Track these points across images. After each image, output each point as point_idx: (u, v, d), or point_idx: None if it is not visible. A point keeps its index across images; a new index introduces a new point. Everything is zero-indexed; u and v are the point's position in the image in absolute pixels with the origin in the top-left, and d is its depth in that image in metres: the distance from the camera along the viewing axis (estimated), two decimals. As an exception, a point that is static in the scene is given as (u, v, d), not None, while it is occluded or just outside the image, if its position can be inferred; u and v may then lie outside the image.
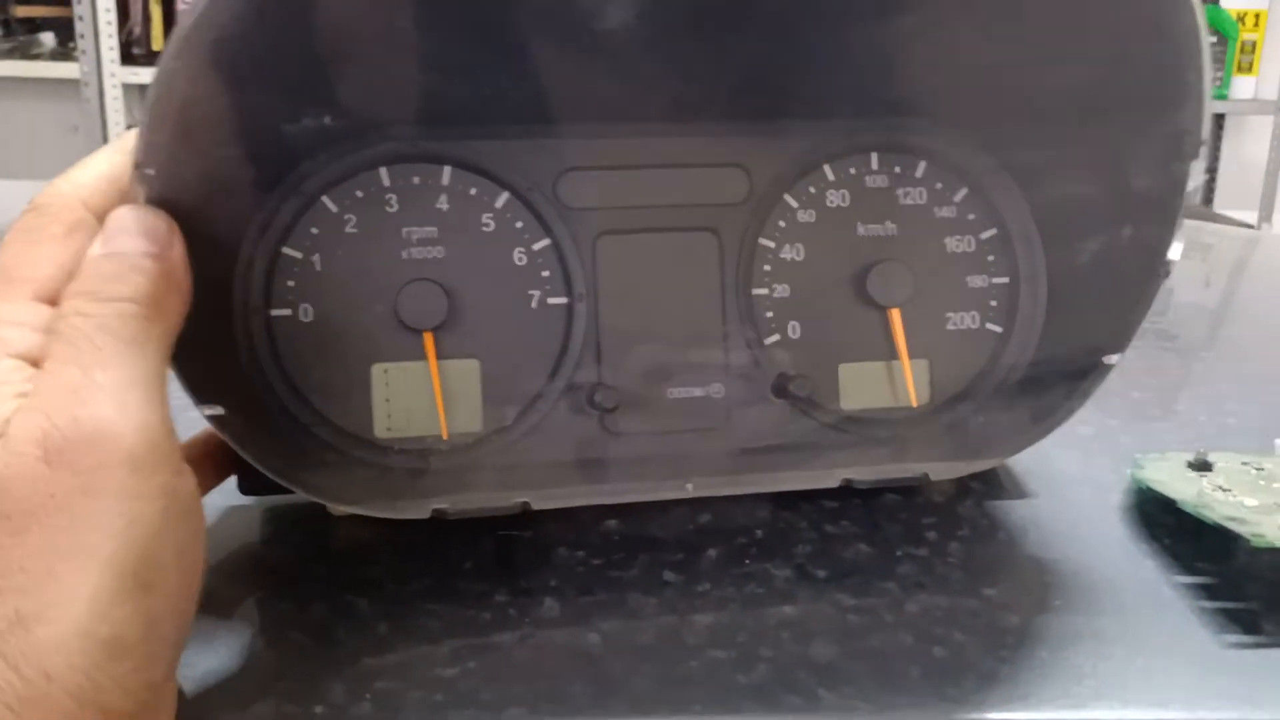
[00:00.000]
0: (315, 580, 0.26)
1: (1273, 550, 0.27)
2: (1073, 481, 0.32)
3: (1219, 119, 2.65)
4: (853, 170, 0.31)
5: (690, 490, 0.28)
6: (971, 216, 0.31)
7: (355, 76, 0.26)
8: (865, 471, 0.28)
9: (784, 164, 0.30)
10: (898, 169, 0.31)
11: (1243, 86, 2.54)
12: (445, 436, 0.28)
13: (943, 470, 0.29)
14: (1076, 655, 0.24)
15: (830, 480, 0.28)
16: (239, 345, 0.27)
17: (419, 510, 0.26)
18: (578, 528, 0.29)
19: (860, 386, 0.31)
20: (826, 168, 0.31)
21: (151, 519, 0.19)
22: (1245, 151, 2.66)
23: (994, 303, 0.31)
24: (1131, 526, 0.29)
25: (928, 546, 0.28)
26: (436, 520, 0.27)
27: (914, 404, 0.30)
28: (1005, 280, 0.31)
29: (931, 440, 0.30)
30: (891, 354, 0.31)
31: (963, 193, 0.31)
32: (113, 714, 0.18)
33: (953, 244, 0.31)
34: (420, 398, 0.28)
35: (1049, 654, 0.24)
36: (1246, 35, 2.50)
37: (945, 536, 0.29)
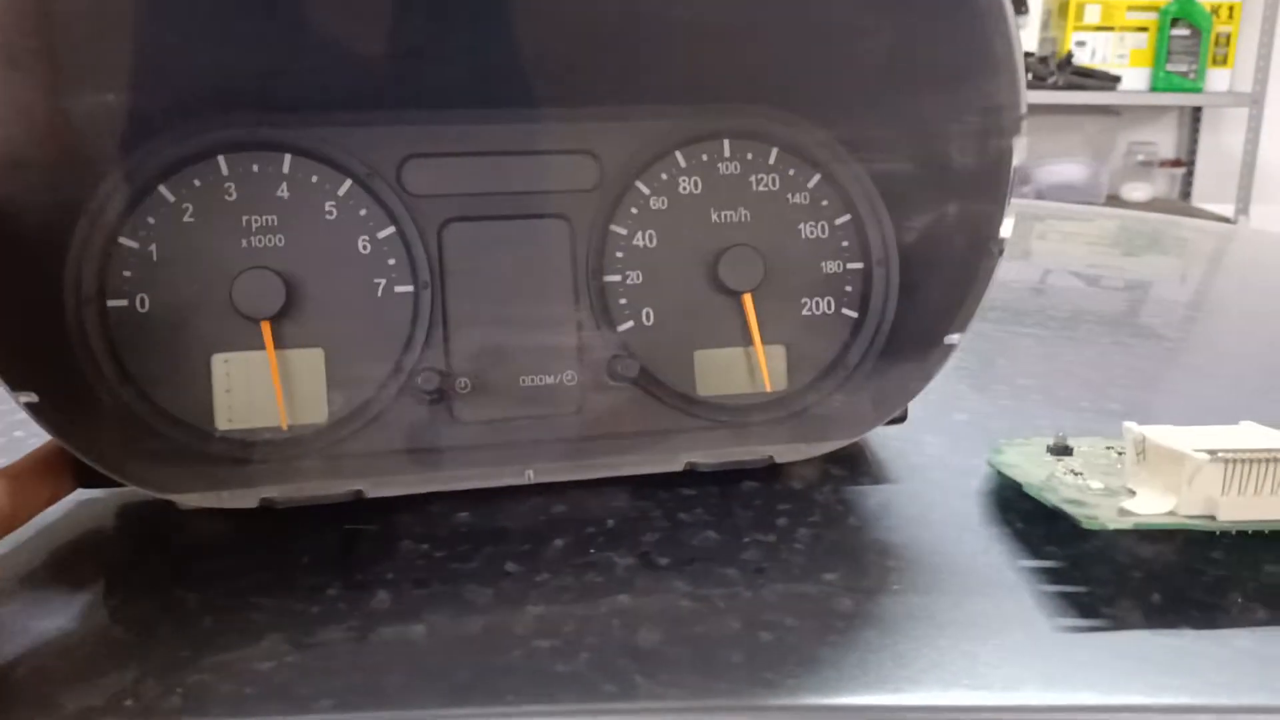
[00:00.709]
0: (149, 575, 0.26)
1: (1107, 532, 0.27)
2: (935, 466, 0.32)
3: (1195, 112, 2.66)
4: (705, 157, 0.31)
5: (531, 477, 0.28)
6: (824, 203, 0.31)
7: (139, 56, 0.26)
8: (710, 455, 0.28)
9: (634, 150, 0.30)
10: (750, 155, 0.31)
11: (1218, 79, 2.55)
12: (285, 427, 0.28)
13: (787, 453, 0.29)
14: (905, 639, 0.24)
15: (674, 464, 0.28)
16: (70, 334, 0.27)
17: (246, 500, 0.26)
18: (427, 520, 0.28)
19: (716, 373, 0.31)
20: (678, 154, 0.31)
21: None
22: (1222, 144, 2.66)
23: (848, 288, 0.31)
24: (986, 510, 0.29)
25: (776, 533, 0.28)
26: (286, 515, 0.27)
27: (769, 389, 0.30)
28: (859, 266, 0.31)
29: (777, 424, 0.30)
30: (747, 340, 0.30)
31: (815, 179, 0.31)
32: None
33: (806, 230, 0.31)
34: (262, 388, 0.28)
35: (877, 637, 0.24)
36: (1221, 28, 2.50)
37: (796, 523, 0.28)
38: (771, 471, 0.31)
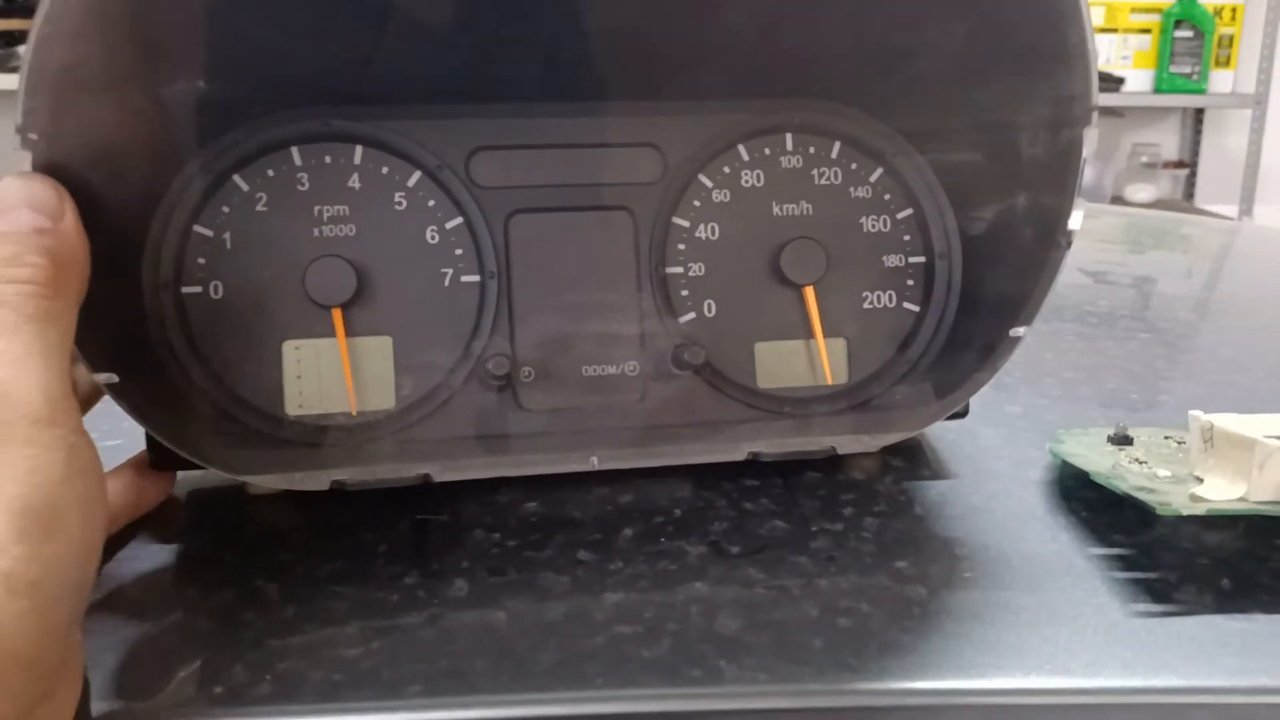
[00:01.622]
0: (227, 565, 0.26)
1: (1179, 518, 0.27)
2: (994, 458, 0.32)
3: (1198, 113, 2.66)
4: (767, 151, 0.31)
5: (595, 463, 0.28)
6: (887, 196, 0.31)
7: (234, 46, 0.26)
8: (772, 445, 0.29)
9: (698, 144, 0.31)
10: (812, 150, 0.31)
11: (1221, 80, 2.55)
12: (354, 413, 0.28)
13: (850, 444, 0.29)
14: (981, 626, 0.24)
15: (737, 454, 0.29)
16: (148, 319, 0.27)
17: (317, 482, 0.26)
18: (496, 511, 0.29)
19: (777, 365, 0.31)
20: (741, 148, 0.31)
21: (53, 467, 0.19)
22: (1225, 145, 2.67)
23: (910, 282, 0.31)
24: (1049, 500, 0.29)
25: (843, 522, 0.28)
26: (354, 504, 0.27)
27: (830, 382, 0.30)
28: (921, 260, 0.31)
29: (839, 415, 0.30)
30: (808, 333, 0.31)
31: (878, 173, 0.31)
32: (16, 657, 0.18)
33: (868, 224, 0.31)
34: (332, 374, 0.28)
35: (954, 625, 0.24)
36: (1224, 29, 2.51)
37: (861, 512, 0.29)
38: (833, 463, 0.31)
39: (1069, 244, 0.27)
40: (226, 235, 0.28)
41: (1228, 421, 0.26)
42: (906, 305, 0.31)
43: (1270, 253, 0.77)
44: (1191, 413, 0.27)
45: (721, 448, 0.29)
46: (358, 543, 0.27)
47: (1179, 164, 2.71)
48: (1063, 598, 0.25)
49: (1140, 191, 2.61)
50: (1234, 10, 2.50)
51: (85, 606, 0.21)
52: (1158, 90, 2.53)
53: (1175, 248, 0.78)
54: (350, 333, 0.28)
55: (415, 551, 0.27)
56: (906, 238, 0.31)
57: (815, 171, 0.31)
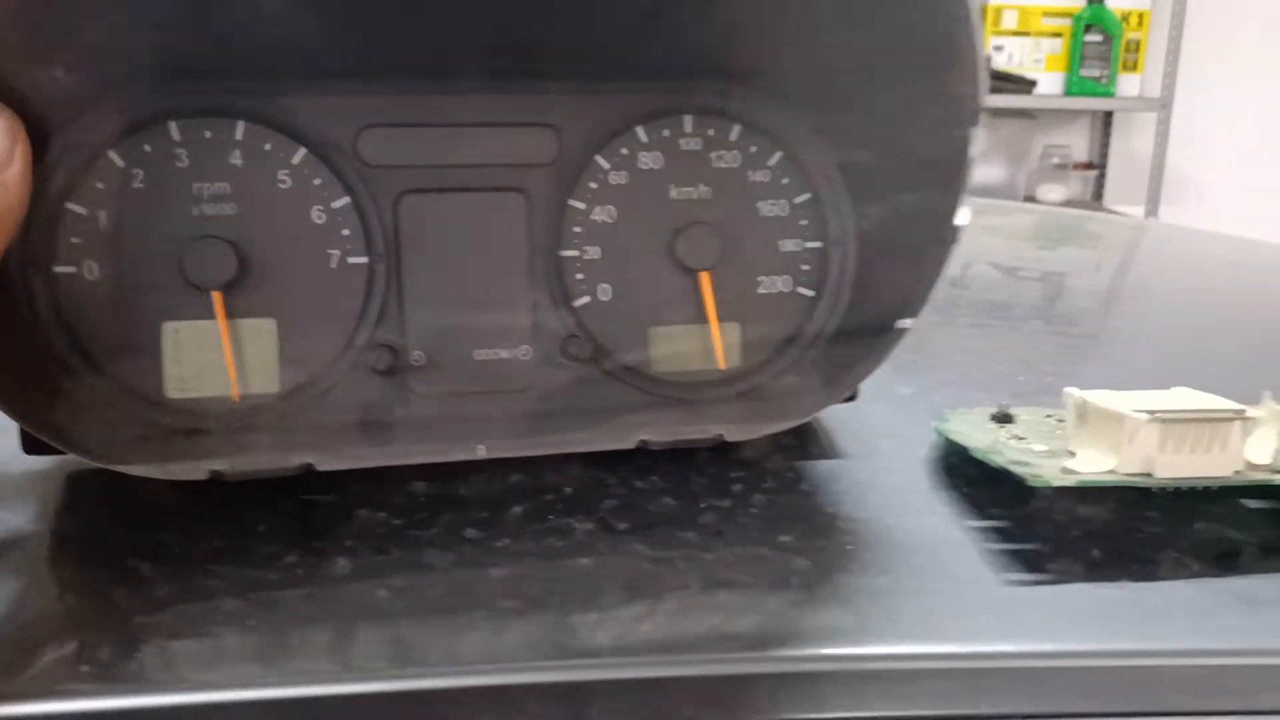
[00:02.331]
0: (101, 545, 0.26)
1: (1055, 493, 0.28)
2: (882, 436, 0.32)
3: (1107, 116, 2.74)
4: (666, 133, 0.31)
5: (482, 452, 0.28)
6: (785, 181, 0.31)
7: (112, 17, 0.25)
8: (661, 433, 0.29)
9: (594, 125, 0.30)
10: (711, 132, 0.31)
11: (1128, 84, 2.63)
12: (236, 398, 0.27)
13: (738, 432, 0.29)
14: (860, 596, 0.24)
15: (627, 441, 0.29)
16: (17, 302, 0.26)
17: (195, 472, 0.25)
18: (383, 490, 0.28)
19: (670, 350, 0.31)
20: (639, 129, 0.31)
21: None
22: (1132, 147, 2.75)
23: (805, 267, 0.31)
24: (932, 477, 0.30)
25: (732, 499, 0.28)
26: (239, 485, 0.27)
27: (722, 367, 0.31)
28: (818, 245, 0.31)
29: (729, 402, 0.30)
30: (702, 317, 0.31)
31: (776, 157, 0.32)
32: None
33: (766, 208, 0.31)
34: (213, 358, 0.27)
35: (833, 594, 0.24)
36: (1131, 34, 2.59)
37: (750, 489, 0.29)
38: (724, 443, 0.31)
39: (955, 239, 0.27)
40: (101, 213, 0.27)
41: (1100, 397, 0.27)
42: (801, 290, 0.31)
43: (1171, 247, 0.80)
44: (1067, 389, 0.28)
45: (611, 436, 0.29)
46: (238, 522, 0.27)
47: (1088, 165, 2.79)
48: (940, 568, 0.26)
49: (1051, 192, 2.68)
50: (1141, 16, 2.58)
51: None
52: (1068, 93, 2.60)
53: (1084, 244, 0.80)
54: (232, 315, 0.28)
55: (297, 530, 0.26)
56: (803, 223, 0.31)
57: (714, 154, 0.31)
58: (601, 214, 0.30)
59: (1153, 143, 2.67)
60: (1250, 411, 0.27)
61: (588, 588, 0.24)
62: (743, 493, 0.29)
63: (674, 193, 0.31)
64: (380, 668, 0.21)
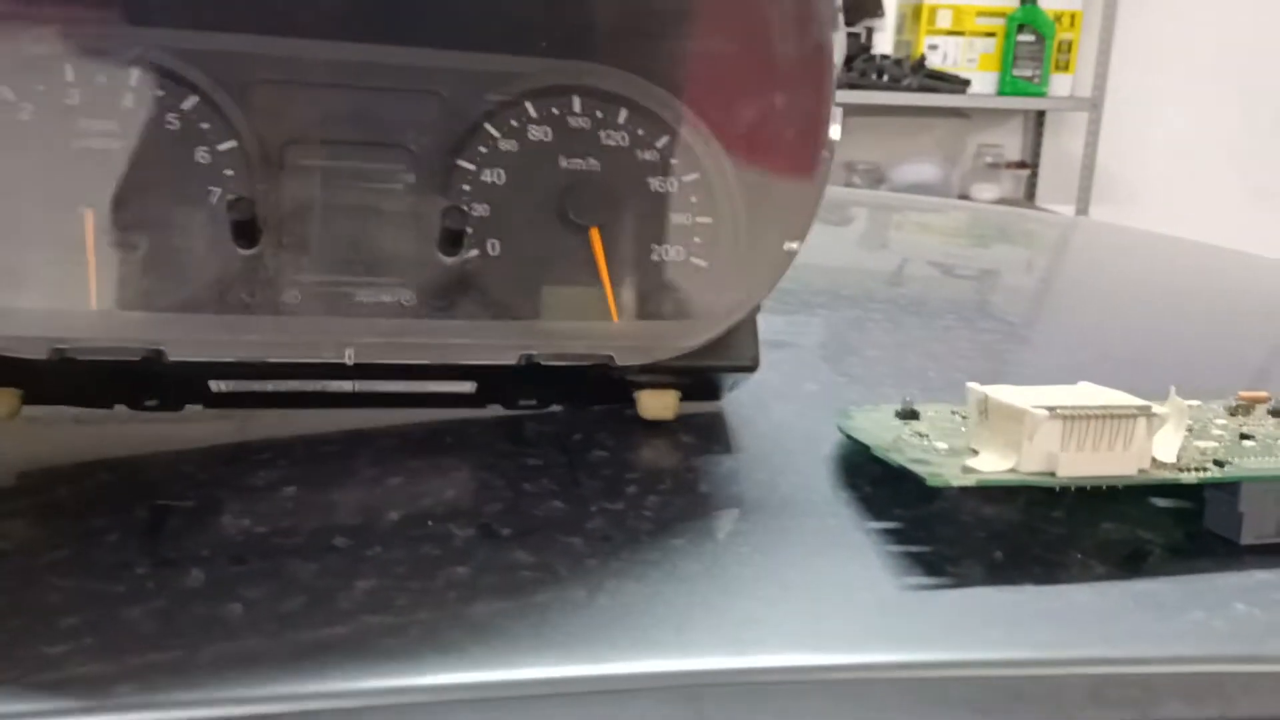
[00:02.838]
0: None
1: (959, 493, 0.27)
2: (786, 434, 0.31)
3: (1039, 116, 2.78)
4: (555, 110, 0.30)
5: (351, 356, 0.26)
6: (674, 161, 0.31)
7: None
8: (548, 348, 0.27)
9: (482, 94, 0.30)
10: (599, 114, 0.31)
11: (1060, 84, 2.67)
12: (93, 305, 0.27)
13: (628, 356, 0.28)
14: (750, 601, 0.23)
15: (509, 355, 0.27)
16: None
17: (35, 347, 0.25)
18: (249, 495, 0.26)
19: (564, 308, 0.30)
20: (528, 104, 0.30)
21: None
22: (1063, 147, 2.79)
23: (697, 240, 0.31)
24: (835, 476, 0.29)
25: (625, 500, 0.27)
26: (85, 488, 0.25)
27: (615, 320, 0.30)
28: (708, 220, 0.31)
29: (619, 335, 0.30)
30: (595, 278, 0.30)
31: (664, 140, 0.31)
32: None
33: (655, 184, 0.31)
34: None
35: (723, 600, 0.23)
36: (1063, 35, 2.62)
37: (645, 490, 0.28)
38: (621, 441, 0.30)
39: (831, 152, 0.27)
40: None
41: (1002, 393, 0.26)
42: (695, 261, 0.31)
43: (1098, 245, 0.80)
44: (969, 384, 0.27)
45: (493, 347, 0.28)
46: (85, 529, 0.25)
47: (1020, 164, 2.82)
48: (836, 571, 0.25)
49: (984, 191, 2.71)
50: (1073, 16, 2.62)
51: None
52: (1001, 93, 2.63)
53: (1015, 241, 0.80)
54: (101, 241, 0.27)
55: (149, 539, 0.25)
56: (693, 199, 0.31)
57: (603, 133, 0.31)
58: (490, 176, 0.30)
59: (1083, 142, 2.71)
60: (1156, 408, 0.26)
61: (461, 599, 0.23)
62: (636, 494, 0.27)
63: (564, 163, 0.30)
64: (230, 693, 0.20)
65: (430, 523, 0.26)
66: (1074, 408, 0.25)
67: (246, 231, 0.28)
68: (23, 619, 0.21)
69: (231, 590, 0.23)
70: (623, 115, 0.31)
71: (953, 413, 0.30)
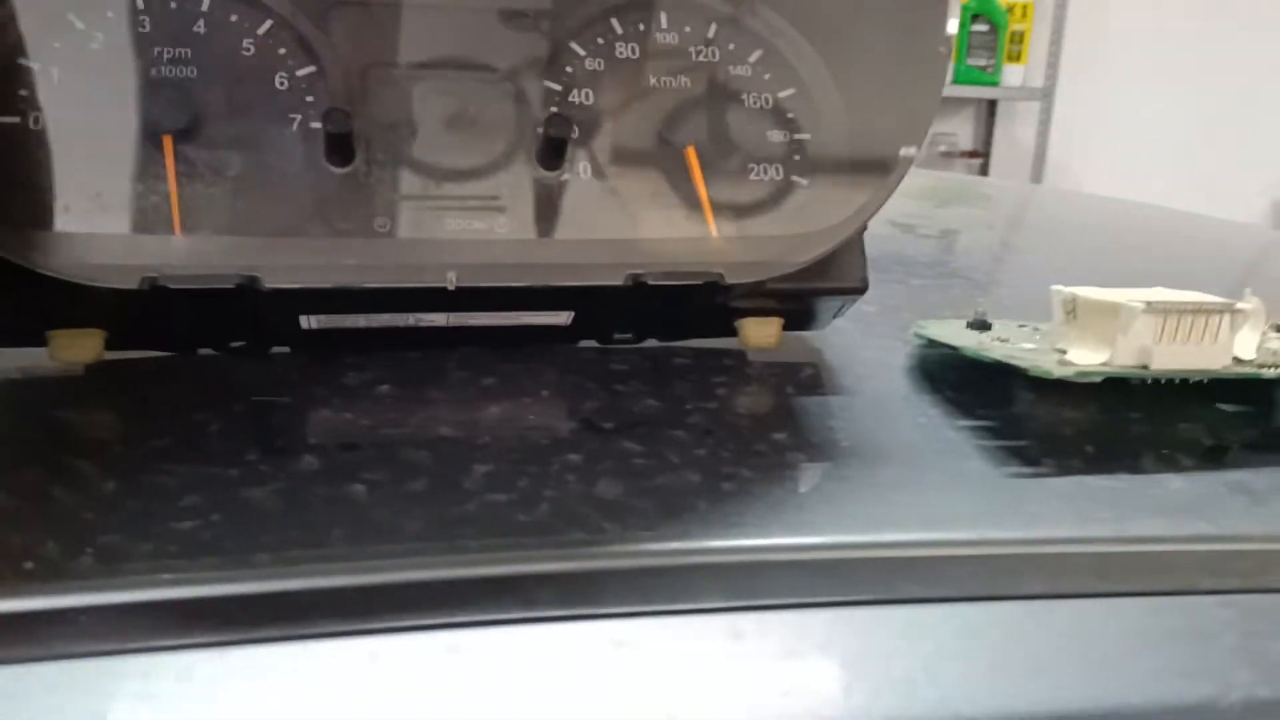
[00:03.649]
0: (28, 446, 0.23)
1: (1051, 387, 0.27)
2: (858, 348, 0.32)
3: (991, 105, 2.82)
4: (641, 26, 0.30)
5: (453, 280, 0.26)
6: (768, 76, 0.30)
7: None
8: (655, 267, 0.27)
9: (568, 12, 0.29)
10: (688, 29, 0.30)
11: (1012, 74, 2.71)
12: (178, 233, 0.26)
13: (738, 274, 0.28)
14: (865, 488, 0.23)
15: (616, 276, 0.27)
16: None
17: (126, 276, 0.24)
18: (344, 392, 0.26)
19: (663, 230, 0.29)
20: (614, 20, 0.29)
21: None
22: (1015, 136, 2.84)
23: (797, 157, 0.30)
24: (916, 383, 0.29)
25: (717, 400, 0.27)
26: (177, 386, 0.25)
27: (713, 234, 0.29)
28: (806, 136, 0.30)
29: (727, 251, 0.29)
30: (693, 198, 0.29)
31: (757, 54, 0.30)
32: None
33: (750, 100, 0.30)
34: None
35: (839, 487, 0.23)
36: (1015, 25, 2.66)
37: (734, 391, 0.28)
38: (700, 351, 0.30)
39: (949, 50, 0.27)
40: (54, 69, 0.25)
41: (1090, 292, 0.27)
42: (795, 178, 0.30)
43: (1055, 206, 0.82)
44: (1054, 287, 0.28)
45: (600, 269, 0.27)
46: (185, 422, 0.24)
47: (973, 153, 2.87)
48: (939, 462, 0.25)
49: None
50: (1025, 8, 2.66)
51: None
52: (955, 81, 2.66)
53: (974, 204, 0.81)
54: (182, 167, 0.26)
55: (255, 429, 0.24)
56: (790, 115, 0.30)
57: (693, 49, 0.30)
58: (578, 96, 0.29)
59: (1035, 132, 2.76)
60: (1239, 304, 0.26)
61: (582, 480, 0.23)
62: (727, 396, 0.28)
63: (653, 81, 0.30)
64: (362, 560, 0.20)
65: (532, 417, 0.26)
66: (1165, 303, 0.26)
67: (341, 147, 0.26)
68: (141, 499, 0.21)
69: (352, 474, 0.22)
70: (712, 29, 0.30)
71: (1020, 325, 0.31)
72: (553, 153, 0.28)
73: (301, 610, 0.19)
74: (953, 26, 0.27)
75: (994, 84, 2.68)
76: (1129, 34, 2.65)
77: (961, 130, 2.85)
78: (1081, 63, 2.68)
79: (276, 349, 0.29)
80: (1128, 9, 2.65)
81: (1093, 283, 0.28)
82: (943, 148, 2.81)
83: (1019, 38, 2.67)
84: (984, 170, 2.86)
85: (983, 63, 2.64)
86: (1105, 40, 2.67)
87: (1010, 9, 2.63)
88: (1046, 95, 2.70)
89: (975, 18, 2.61)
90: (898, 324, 0.34)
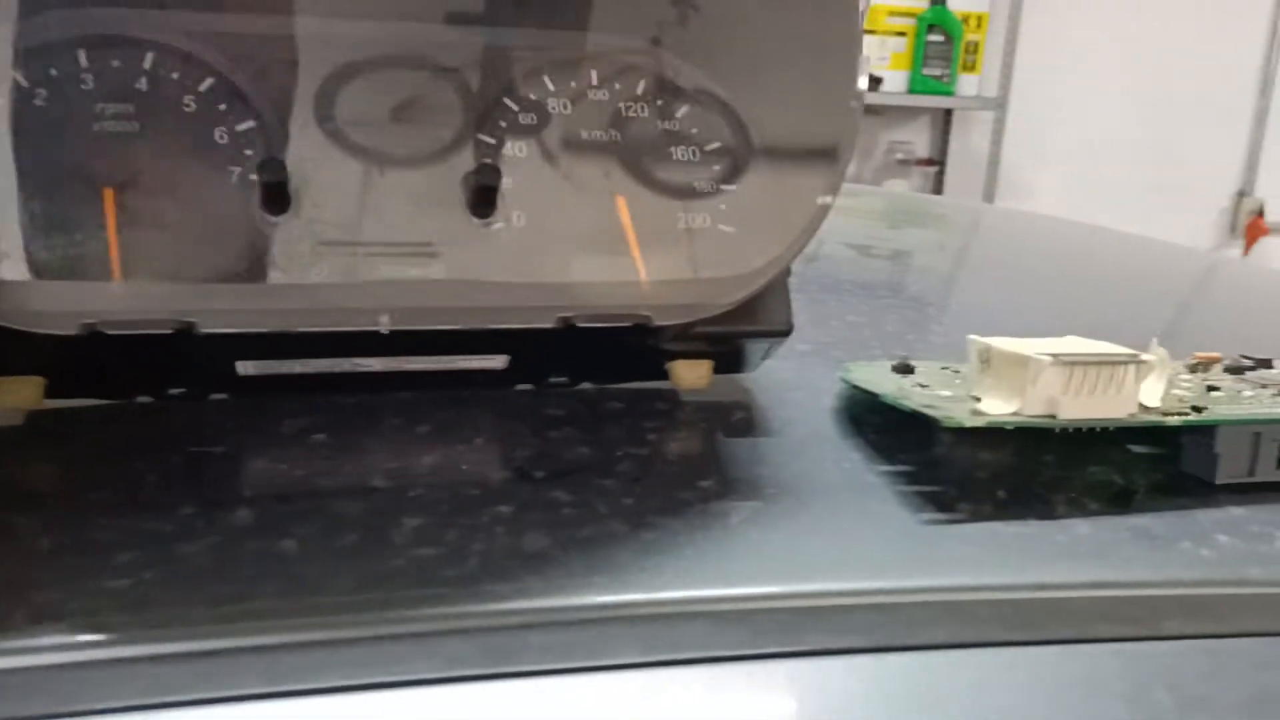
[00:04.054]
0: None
1: (969, 433, 0.28)
2: (789, 388, 0.33)
3: (946, 115, 2.86)
4: (573, 83, 0.31)
5: (386, 324, 0.26)
6: (694, 130, 0.31)
7: None
8: (585, 311, 0.28)
9: (499, 69, 0.30)
10: (618, 86, 0.31)
11: (967, 84, 2.75)
12: (117, 276, 0.26)
13: (666, 315, 0.28)
14: (783, 535, 0.24)
15: (546, 319, 0.28)
16: None
17: (64, 322, 0.24)
18: (280, 441, 0.27)
19: (591, 276, 0.30)
20: (545, 77, 0.30)
21: None
22: (970, 145, 2.88)
23: (723, 206, 0.31)
24: (841, 425, 0.30)
25: (648, 447, 0.28)
26: (116, 436, 0.25)
27: (642, 278, 0.30)
28: (733, 187, 0.31)
29: (654, 295, 0.30)
30: (623, 247, 0.30)
31: (683, 109, 0.31)
32: None
33: (678, 153, 0.31)
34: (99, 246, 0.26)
35: (759, 535, 0.24)
36: (970, 36, 2.70)
37: (665, 437, 0.29)
38: (635, 394, 0.31)
39: (861, 104, 0.28)
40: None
41: (1003, 343, 0.28)
42: (722, 227, 0.31)
43: (1005, 227, 0.84)
44: (970, 336, 0.29)
45: (530, 312, 0.28)
46: (124, 472, 0.25)
47: (929, 161, 2.90)
48: (858, 509, 0.26)
49: (895, 186, 2.78)
50: (980, 18, 2.70)
51: None
52: (911, 91, 2.70)
53: (927, 225, 0.83)
54: (123, 220, 0.26)
55: (191, 481, 0.25)
56: (717, 167, 0.31)
57: (622, 105, 0.31)
58: (512, 150, 0.30)
59: (989, 141, 2.80)
60: (1144, 356, 0.28)
61: (510, 533, 0.23)
62: (658, 441, 0.28)
63: (585, 135, 0.30)
64: (295, 619, 0.20)
65: (464, 466, 0.26)
66: (1073, 355, 0.27)
67: (276, 196, 0.27)
68: (79, 556, 0.22)
69: (283, 528, 0.23)
70: (641, 86, 0.31)
71: (943, 368, 0.32)
72: (483, 200, 0.28)
73: (229, 670, 0.19)
74: (863, 83, 0.28)
75: (949, 93, 2.71)
76: (1082, 44, 2.70)
77: (918, 138, 2.89)
78: (1035, 72, 2.73)
79: (214, 395, 0.29)
80: (1081, 20, 2.70)
81: (1024, 318, 0.30)
82: (900, 155, 2.85)
83: (974, 48, 2.71)
84: (940, 177, 2.90)
85: (938, 72, 2.67)
86: (1059, 50, 2.71)
87: (965, 20, 2.67)
88: (1000, 105, 2.74)
89: (931, 28, 2.64)
90: (830, 363, 0.35)
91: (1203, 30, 2.69)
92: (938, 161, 2.90)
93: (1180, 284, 0.63)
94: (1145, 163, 2.74)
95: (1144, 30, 2.68)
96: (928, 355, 0.33)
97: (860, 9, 0.27)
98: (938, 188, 2.91)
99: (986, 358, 0.28)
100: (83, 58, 0.27)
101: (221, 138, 0.27)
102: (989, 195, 2.83)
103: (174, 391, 0.29)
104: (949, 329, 0.42)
